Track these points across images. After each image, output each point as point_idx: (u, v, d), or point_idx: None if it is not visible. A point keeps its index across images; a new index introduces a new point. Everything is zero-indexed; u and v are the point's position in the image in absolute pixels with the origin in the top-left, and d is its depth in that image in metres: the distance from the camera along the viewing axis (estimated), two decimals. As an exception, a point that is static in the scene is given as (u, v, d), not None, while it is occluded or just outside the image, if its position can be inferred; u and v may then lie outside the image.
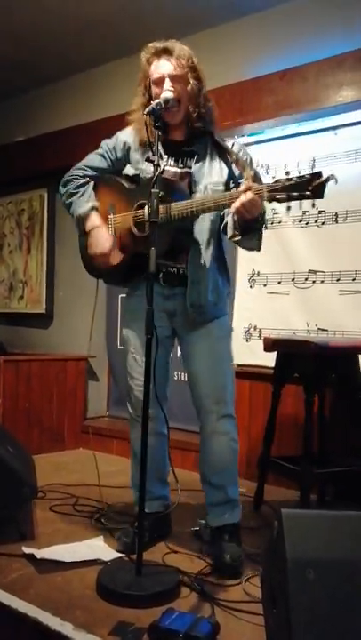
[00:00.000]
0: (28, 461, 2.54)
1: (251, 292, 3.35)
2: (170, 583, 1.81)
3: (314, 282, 3.11)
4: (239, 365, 3.35)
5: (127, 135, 2.19)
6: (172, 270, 2.13)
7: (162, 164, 1.92)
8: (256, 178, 1.89)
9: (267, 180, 2.85)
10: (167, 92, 2.00)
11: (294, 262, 3.17)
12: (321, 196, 1.69)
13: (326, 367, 2.54)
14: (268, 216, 2.79)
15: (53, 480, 3.02)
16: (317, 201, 3.07)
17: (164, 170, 1.96)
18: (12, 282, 4.89)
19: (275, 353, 2.75)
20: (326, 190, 1.70)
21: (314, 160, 3.10)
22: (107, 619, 1.63)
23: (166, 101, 1.97)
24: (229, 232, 2.02)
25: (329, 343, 2.47)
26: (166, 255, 2.04)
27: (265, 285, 3.31)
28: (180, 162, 2.13)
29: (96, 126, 3.97)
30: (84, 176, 2.22)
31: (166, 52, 2.04)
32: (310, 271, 3.11)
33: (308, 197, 1.70)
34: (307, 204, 3.10)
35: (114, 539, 2.21)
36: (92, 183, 2.21)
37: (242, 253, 3.34)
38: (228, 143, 2.16)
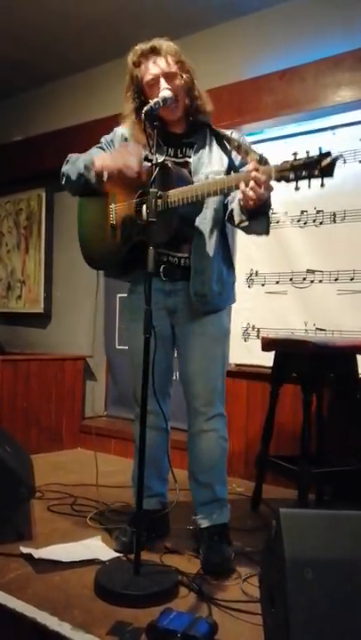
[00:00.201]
0: (26, 461, 2.54)
1: (249, 292, 3.35)
2: (168, 583, 1.80)
3: (312, 281, 3.11)
4: (237, 365, 3.36)
5: (125, 129, 2.19)
6: (174, 261, 2.11)
7: (160, 157, 1.91)
8: (262, 160, 1.84)
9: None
10: (165, 91, 1.99)
11: (292, 262, 3.18)
12: (331, 175, 1.66)
13: (324, 367, 2.54)
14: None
15: (51, 480, 3.02)
16: (316, 201, 3.08)
17: (163, 164, 1.95)
18: (9, 281, 4.89)
19: (273, 352, 2.75)
20: (335, 170, 1.66)
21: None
22: (105, 618, 1.62)
23: (165, 100, 1.96)
24: (237, 218, 1.99)
25: (327, 343, 2.48)
26: (168, 244, 2.03)
27: (263, 285, 3.31)
28: (179, 153, 2.13)
29: (95, 126, 3.97)
30: None
31: (154, 51, 2.02)
32: (308, 271, 3.12)
33: (316, 176, 1.67)
34: (306, 204, 3.11)
35: (112, 538, 2.21)
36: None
37: (240, 253, 3.34)
38: (227, 132, 2.14)
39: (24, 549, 2.04)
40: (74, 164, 2.13)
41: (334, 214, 3.03)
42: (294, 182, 1.70)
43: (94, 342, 4.24)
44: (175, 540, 2.25)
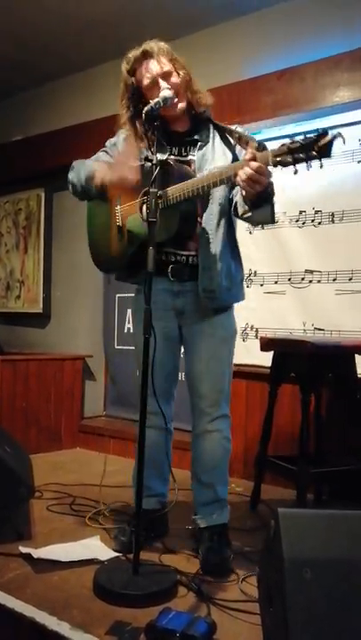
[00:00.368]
0: (25, 461, 2.54)
1: (247, 292, 3.32)
2: (167, 582, 1.81)
3: (310, 282, 3.11)
4: (236, 365, 3.35)
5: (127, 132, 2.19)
6: (181, 259, 2.10)
7: (162, 156, 1.91)
8: (260, 146, 1.82)
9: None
10: (165, 90, 1.99)
11: (291, 262, 3.18)
12: (328, 155, 1.62)
13: (323, 367, 2.54)
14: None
15: (50, 480, 3.02)
16: (315, 201, 3.09)
17: (164, 162, 1.96)
18: (9, 281, 4.89)
19: (271, 352, 2.75)
20: (333, 149, 1.63)
21: (311, 160, 3.10)
22: (104, 618, 1.63)
23: (165, 100, 1.96)
24: (240, 210, 1.98)
25: (326, 343, 2.48)
26: (174, 242, 2.02)
27: (262, 285, 3.31)
28: (183, 152, 2.13)
29: (95, 126, 3.97)
30: None
31: (146, 55, 2.03)
32: (307, 271, 3.12)
33: (314, 158, 1.63)
34: (305, 204, 3.11)
35: (110, 538, 2.21)
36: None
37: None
38: (231, 126, 2.12)
39: (23, 549, 2.04)
40: (78, 174, 2.15)
41: (333, 214, 3.03)
42: (293, 166, 1.66)
43: (97, 342, 4.25)
44: (174, 539, 2.25)
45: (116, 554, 2.06)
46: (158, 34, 2.09)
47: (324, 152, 1.62)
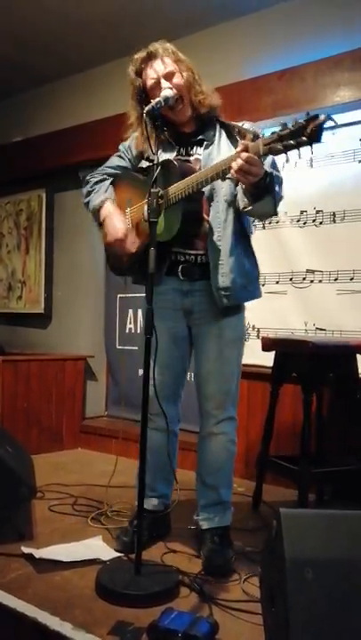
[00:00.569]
0: (26, 461, 2.54)
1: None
2: (169, 583, 1.81)
3: (312, 281, 3.11)
4: (237, 365, 3.36)
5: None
6: (190, 259, 2.09)
7: (171, 155, 1.90)
8: (255, 137, 1.78)
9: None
10: (166, 90, 1.99)
11: (292, 262, 3.18)
12: (318, 140, 1.56)
13: (324, 367, 2.54)
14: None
15: (52, 480, 3.03)
16: (316, 201, 3.09)
17: (165, 162, 1.96)
18: (10, 282, 4.89)
19: (273, 352, 2.75)
20: (324, 133, 1.57)
21: (311, 160, 3.10)
22: (106, 618, 1.63)
23: (166, 100, 1.96)
24: (241, 204, 1.97)
25: (327, 343, 2.48)
26: (181, 241, 2.02)
27: (263, 285, 3.27)
28: (191, 151, 2.13)
29: (95, 126, 3.98)
30: (103, 174, 2.26)
31: (151, 56, 2.04)
32: (308, 271, 3.12)
33: (305, 144, 1.58)
34: (306, 204, 3.11)
35: (112, 538, 2.21)
36: (109, 180, 2.24)
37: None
38: (238, 123, 2.11)
39: (25, 549, 2.05)
40: (90, 198, 2.23)
41: (334, 214, 3.03)
42: (284, 154, 1.63)
43: (98, 342, 4.25)
44: (176, 539, 2.25)
45: (118, 554, 2.06)
46: (158, 34, 2.10)
47: (314, 137, 1.56)
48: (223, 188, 2.05)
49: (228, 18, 3.44)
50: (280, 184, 1.97)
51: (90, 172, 2.34)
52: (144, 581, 1.78)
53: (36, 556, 2.00)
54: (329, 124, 1.59)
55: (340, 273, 3.00)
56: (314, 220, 3.11)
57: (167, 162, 1.99)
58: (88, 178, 2.27)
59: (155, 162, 1.87)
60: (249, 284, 2.11)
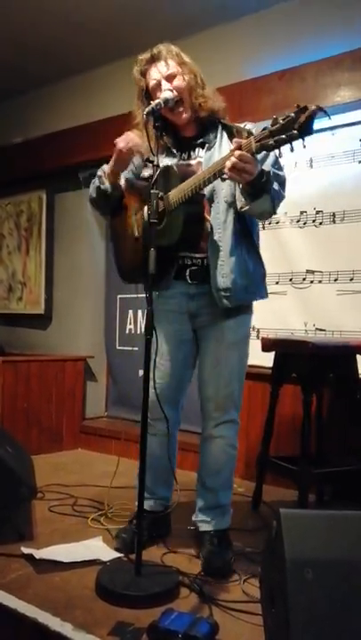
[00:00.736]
0: (26, 462, 2.55)
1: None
2: (169, 583, 1.81)
3: (312, 282, 3.11)
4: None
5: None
6: (197, 262, 2.08)
7: (171, 161, 1.89)
8: (249, 135, 1.77)
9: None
10: (166, 91, 2.00)
11: (292, 262, 3.18)
12: (310, 132, 1.54)
13: (324, 367, 2.54)
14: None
15: (52, 480, 3.02)
16: (315, 201, 3.09)
17: (165, 167, 1.96)
18: (10, 283, 4.89)
19: (273, 353, 2.75)
20: (315, 125, 1.55)
21: (311, 160, 3.11)
22: (106, 619, 1.63)
23: (166, 101, 1.97)
24: (239, 204, 1.96)
25: (327, 343, 2.48)
26: (187, 245, 2.01)
27: (263, 285, 3.31)
28: (192, 155, 2.13)
29: (95, 127, 3.97)
30: None
31: (155, 57, 2.05)
32: (308, 271, 3.12)
33: (297, 137, 1.56)
34: (306, 204, 3.11)
35: (113, 539, 2.21)
36: None
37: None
38: (240, 125, 2.09)
39: (25, 550, 2.05)
40: (92, 185, 2.20)
41: (334, 215, 3.03)
42: (277, 149, 1.62)
43: (98, 343, 4.25)
44: (176, 540, 2.25)
45: (119, 554, 2.06)
46: (158, 35, 2.10)
47: (305, 129, 1.54)
48: (223, 189, 2.04)
49: (228, 18, 3.44)
50: (281, 183, 1.97)
51: (90, 172, 2.35)
52: (144, 582, 1.78)
53: (36, 557, 2.00)
54: (319, 115, 1.56)
55: (340, 273, 3.00)
56: (314, 221, 3.11)
57: (167, 168, 1.99)
58: (93, 180, 2.24)
59: (154, 163, 1.87)
60: (251, 284, 2.08)
